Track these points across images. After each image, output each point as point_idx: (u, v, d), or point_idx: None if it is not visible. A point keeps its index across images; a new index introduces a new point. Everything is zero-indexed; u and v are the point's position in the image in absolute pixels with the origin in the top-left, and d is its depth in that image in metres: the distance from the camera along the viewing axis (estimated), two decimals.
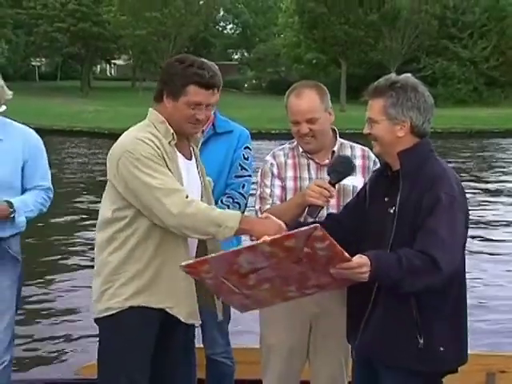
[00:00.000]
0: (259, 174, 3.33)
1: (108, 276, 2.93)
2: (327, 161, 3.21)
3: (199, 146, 3.46)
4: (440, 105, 42.16)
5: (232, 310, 3.72)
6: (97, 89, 52.53)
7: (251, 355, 3.63)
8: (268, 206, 3.19)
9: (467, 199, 2.72)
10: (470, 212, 2.74)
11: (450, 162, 18.05)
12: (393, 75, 2.73)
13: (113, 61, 67.12)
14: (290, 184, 3.23)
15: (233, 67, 59.57)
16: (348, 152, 3.27)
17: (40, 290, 7.41)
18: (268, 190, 3.25)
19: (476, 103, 43.75)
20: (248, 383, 3.59)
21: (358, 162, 3.23)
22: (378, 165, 3.25)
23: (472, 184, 15.22)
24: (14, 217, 3.40)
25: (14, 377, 4.80)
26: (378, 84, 2.70)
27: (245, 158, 3.65)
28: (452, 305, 2.65)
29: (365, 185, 2.93)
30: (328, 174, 3.01)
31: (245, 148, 3.65)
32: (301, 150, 3.25)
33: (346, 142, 3.32)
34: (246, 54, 69.42)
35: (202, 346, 3.76)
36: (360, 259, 2.44)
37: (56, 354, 5.72)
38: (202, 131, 3.63)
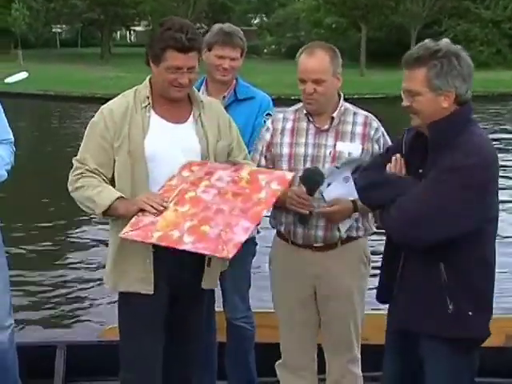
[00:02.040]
0: (257, 138, 3.33)
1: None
2: (327, 126, 3.19)
3: None
4: None
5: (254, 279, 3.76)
6: (117, 55, 52.27)
7: (272, 319, 3.64)
8: None
9: (496, 178, 2.56)
10: None
11: None
12: (430, 42, 2.56)
13: (132, 27, 66.72)
14: (285, 151, 3.20)
15: (252, 32, 58.95)
16: (349, 118, 3.21)
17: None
18: (257, 156, 3.26)
19: (500, 66, 42.92)
20: (268, 346, 3.61)
21: (358, 129, 3.19)
22: (380, 132, 3.21)
23: None
24: None
25: (36, 338, 4.92)
26: (418, 53, 2.52)
27: None
28: (481, 270, 2.59)
29: (395, 147, 2.78)
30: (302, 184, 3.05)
31: (266, 115, 3.59)
32: (304, 111, 3.21)
33: (350, 107, 3.26)
34: (265, 18, 68.57)
35: (222, 310, 3.79)
36: None
37: (78, 317, 5.81)
38: (224, 97, 3.61)
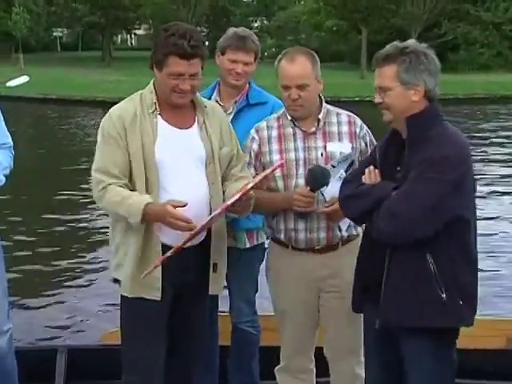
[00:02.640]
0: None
1: (113, 251, 3.10)
2: (313, 129, 3.20)
3: (231, 117, 3.43)
4: (462, 70, 41.61)
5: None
6: (118, 59, 52.39)
7: (275, 322, 3.63)
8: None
9: (471, 167, 2.65)
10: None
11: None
12: (398, 43, 2.70)
13: (133, 31, 66.84)
14: (275, 157, 3.19)
15: None
16: (333, 119, 3.23)
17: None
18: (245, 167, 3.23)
19: (502, 68, 42.88)
20: (271, 350, 3.60)
21: (344, 129, 3.22)
22: (365, 129, 3.27)
23: None
24: None
25: (37, 342, 4.90)
26: (388, 51, 2.66)
27: None
28: (464, 258, 2.64)
29: (371, 158, 2.86)
30: (306, 184, 3.06)
31: None
32: (289, 117, 3.21)
33: (331, 108, 3.29)
34: (265, 21, 68.64)
35: (228, 313, 3.79)
36: None
37: (79, 321, 5.79)
38: (235, 101, 3.60)
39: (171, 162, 2.95)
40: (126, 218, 2.87)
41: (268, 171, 3.00)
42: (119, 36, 72.19)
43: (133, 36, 73.89)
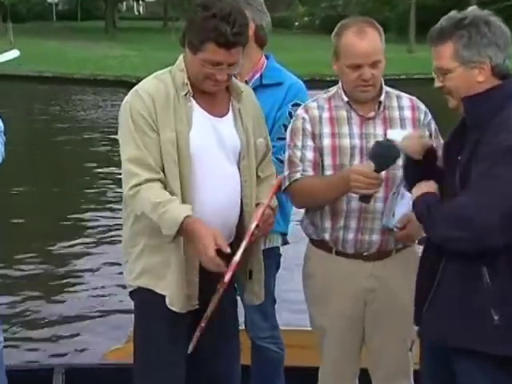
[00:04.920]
0: (288, 132, 3.29)
1: (124, 248, 3.14)
2: (372, 113, 3.18)
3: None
4: None
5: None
6: (123, 30, 52.61)
7: (299, 338, 3.66)
8: (298, 175, 3.17)
9: None
10: None
11: None
12: (453, 13, 2.64)
13: None
14: (326, 142, 3.18)
15: (281, 2, 58.97)
16: (394, 102, 3.22)
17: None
18: (298, 153, 3.21)
19: None
20: (301, 371, 3.61)
21: (406, 114, 3.21)
22: (429, 116, 3.25)
23: None
24: None
25: (31, 361, 4.97)
26: (442, 26, 2.61)
27: (292, 116, 3.50)
28: None
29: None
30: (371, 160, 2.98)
31: (294, 105, 3.53)
32: (345, 99, 3.20)
33: (390, 90, 3.28)
34: None
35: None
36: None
37: (78, 337, 5.86)
38: (246, 82, 3.59)
39: (205, 156, 2.97)
40: (160, 226, 2.88)
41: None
42: (124, 3, 72.47)
43: (141, 3, 74.21)
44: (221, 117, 3.04)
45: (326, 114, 3.21)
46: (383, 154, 2.93)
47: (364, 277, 3.21)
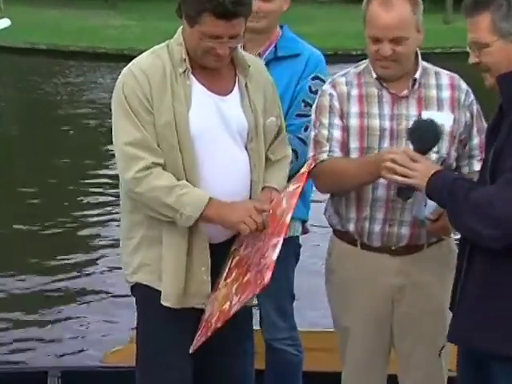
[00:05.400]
0: (313, 109, 3.29)
1: (122, 240, 3.18)
2: (406, 92, 3.17)
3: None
4: None
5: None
6: None
7: (324, 340, 3.67)
8: (325, 155, 3.17)
9: None
10: None
11: None
12: None
13: None
14: (353, 122, 3.19)
15: None
16: (432, 80, 3.20)
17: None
18: (325, 132, 3.21)
19: None
20: (321, 376, 3.63)
21: (445, 94, 3.19)
22: (472, 97, 3.22)
23: None
24: None
25: (24, 363, 5.02)
26: None
27: (311, 91, 3.54)
28: None
29: None
30: (410, 141, 2.95)
31: (314, 78, 3.55)
32: (374, 75, 3.19)
33: (429, 65, 3.26)
34: None
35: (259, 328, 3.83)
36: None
37: (75, 338, 5.90)
38: (259, 54, 3.60)
39: (208, 139, 2.98)
40: (174, 210, 2.87)
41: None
42: None
43: None
44: (225, 95, 3.04)
45: (354, 91, 3.21)
46: (427, 134, 2.90)
47: (391, 273, 3.22)
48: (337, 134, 3.19)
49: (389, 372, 3.39)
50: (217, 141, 3.00)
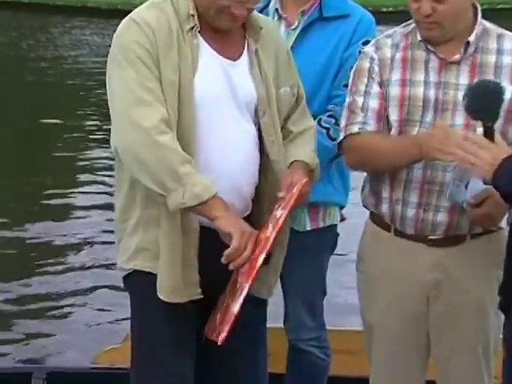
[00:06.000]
0: (352, 73, 3.28)
1: (117, 224, 3.18)
2: (457, 56, 3.11)
3: (295, 36, 3.50)
4: None
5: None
6: None
7: (352, 340, 3.67)
8: (356, 128, 3.16)
9: None
10: None
11: None
12: None
13: None
14: (393, 91, 3.16)
15: None
16: (492, 43, 3.14)
17: None
18: (360, 101, 3.20)
19: None
20: (347, 381, 3.63)
21: (506, 60, 3.13)
22: None
23: None
24: None
25: (7, 363, 5.05)
26: None
27: None
28: None
29: None
30: (466, 111, 2.88)
31: (364, 43, 3.50)
32: (419, 36, 3.16)
33: (492, 27, 3.19)
34: None
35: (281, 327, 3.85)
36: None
37: (63, 336, 5.97)
38: (303, 12, 3.58)
39: (213, 108, 2.96)
40: (180, 183, 2.82)
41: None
42: None
43: None
44: (234, 60, 3.03)
45: (399, 55, 3.18)
46: (493, 102, 2.79)
47: (427, 266, 3.19)
48: (373, 103, 3.17)
49: (427, 378, 3.39)
50: (223, 111, 2.99)
